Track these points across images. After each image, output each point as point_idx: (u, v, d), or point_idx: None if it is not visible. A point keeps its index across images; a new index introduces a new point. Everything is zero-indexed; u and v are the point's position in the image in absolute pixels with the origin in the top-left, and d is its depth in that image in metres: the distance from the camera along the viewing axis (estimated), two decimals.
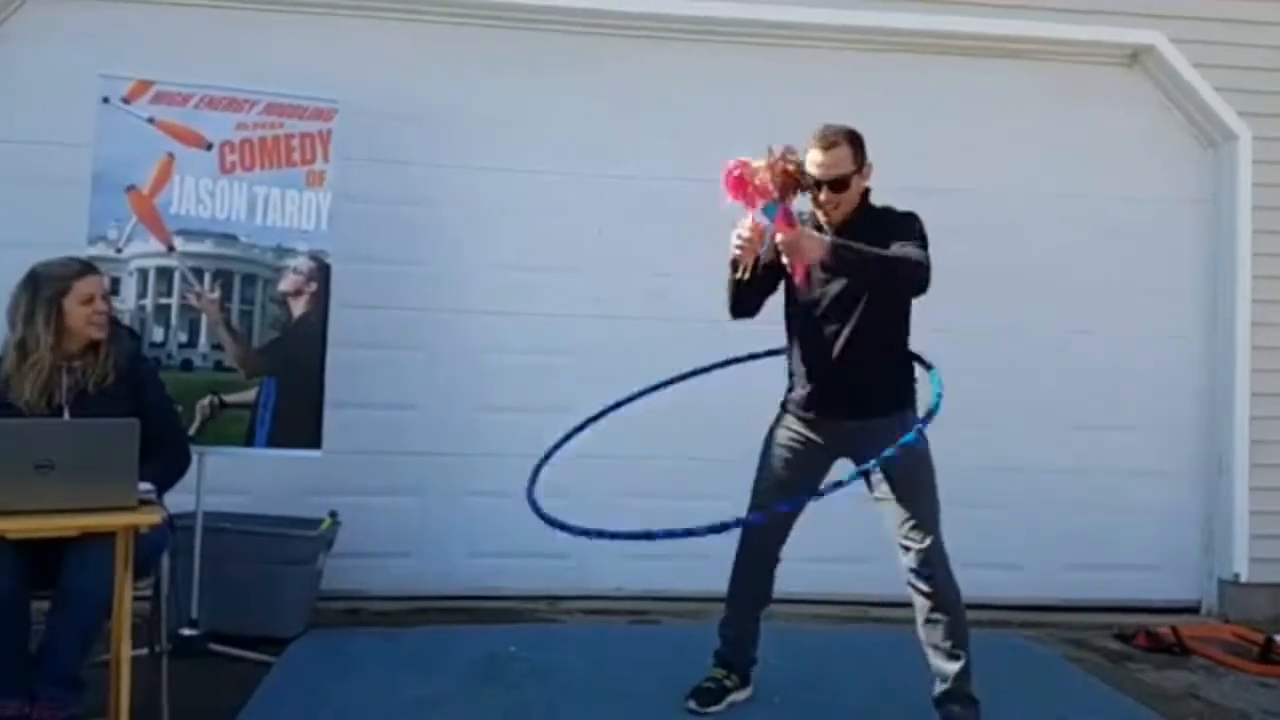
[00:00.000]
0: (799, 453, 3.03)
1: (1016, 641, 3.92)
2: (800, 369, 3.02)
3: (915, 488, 2.91)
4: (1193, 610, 4.62)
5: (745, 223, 2.68)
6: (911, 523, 2.89)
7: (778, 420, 3.11)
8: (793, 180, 2.63)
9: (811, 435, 3.02)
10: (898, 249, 2.76)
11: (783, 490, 3.02)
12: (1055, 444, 4.58)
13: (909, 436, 2.68)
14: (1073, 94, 4.67)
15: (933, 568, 2.89)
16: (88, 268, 2.88)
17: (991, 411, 4.38)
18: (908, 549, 2.90)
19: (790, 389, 3.09)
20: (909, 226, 2.84)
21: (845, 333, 2.88)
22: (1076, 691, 3.51)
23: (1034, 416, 4.56)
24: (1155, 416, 4.69)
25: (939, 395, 2.72)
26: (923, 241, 2.82)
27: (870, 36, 4.54)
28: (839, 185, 2.82)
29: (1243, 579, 4.55)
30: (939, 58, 4.61)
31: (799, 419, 3.04)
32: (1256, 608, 4.48)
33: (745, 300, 2.96)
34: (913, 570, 2.91)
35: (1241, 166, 4.62)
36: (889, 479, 2.91)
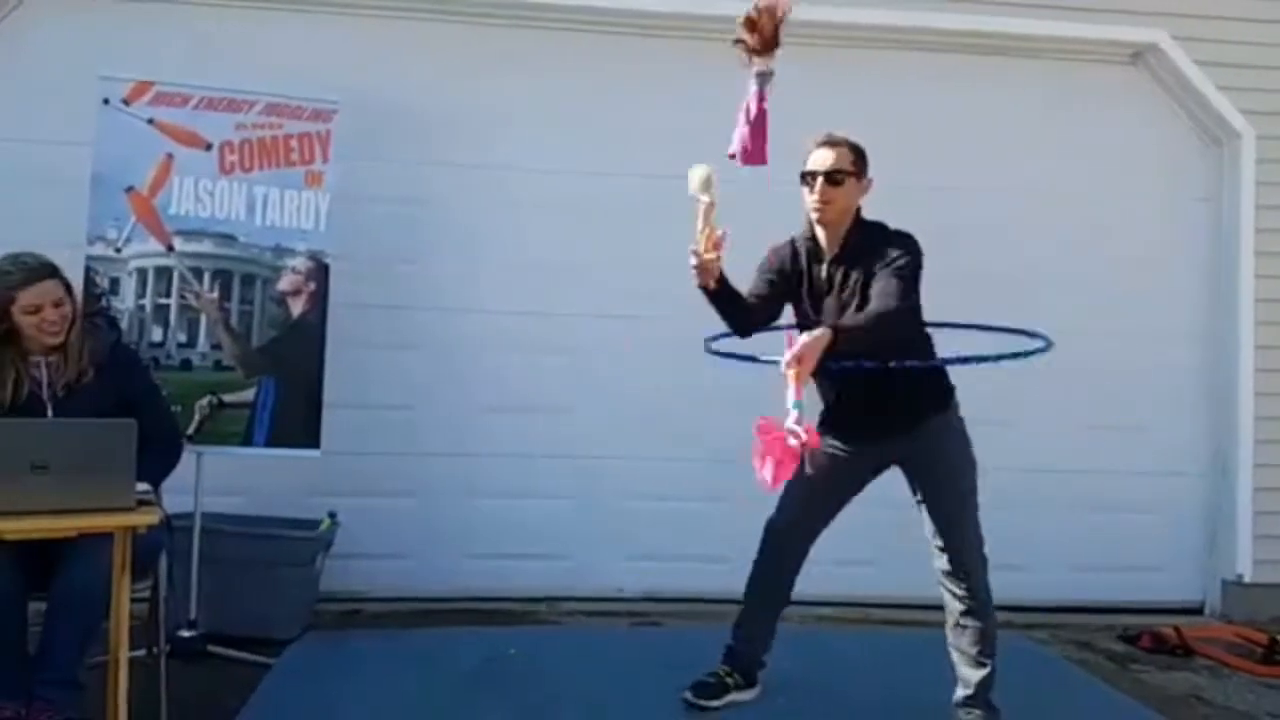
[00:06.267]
0: (838, 462, 2.96)
1: (1020, 643, 3.90)
2: (827, 395, 2.97)
3: (956, 490, 2.88)
4: (1196, 611, 4.60)
5: (701, 240, 2.67)
6: (949, 525, 2.87)
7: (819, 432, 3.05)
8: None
9: (853, 450, 2.96)
10: (879, 288, 2.71)
11: (814, 498, 2.99)
12: (1058, 444, 4.57)
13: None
14: (1075, 92, 4.66)
15: (969, 572, 2.87)
16: (33, 274, 2.69)
17: (993, 411, 4.33)
18: (943, 550, 2.88)
19: (825, 406, 3.02)
20: (899, 253, 2.76)
21: (859, 357, 2.76)
22: (1080, 693, 3.50)
23: (1036, 417, 4.55)
24: (1158, 416, 4.68)
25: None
26: (911, 269, 2.74)
27: (870, 34, 4.52)
28: (833, 179, 2.82)
29: (1246, 579, 4.53)
30: (940, 55, 4.59)
31: (841, 435, 2.97)
32: (1260, 608, 4.46)
33: (742, 318, 2.89)
34: (947, 573, 2.89)
35: (1245, 165, 4.61)
36: (929, 478, 2.89)
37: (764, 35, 2.65)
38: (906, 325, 2.75)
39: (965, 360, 2.75)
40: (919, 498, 2.92)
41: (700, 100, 4.46)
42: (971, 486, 2.91)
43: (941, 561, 2.89)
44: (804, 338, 2.54)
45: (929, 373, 2.86)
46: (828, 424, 3.00)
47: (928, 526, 2.91)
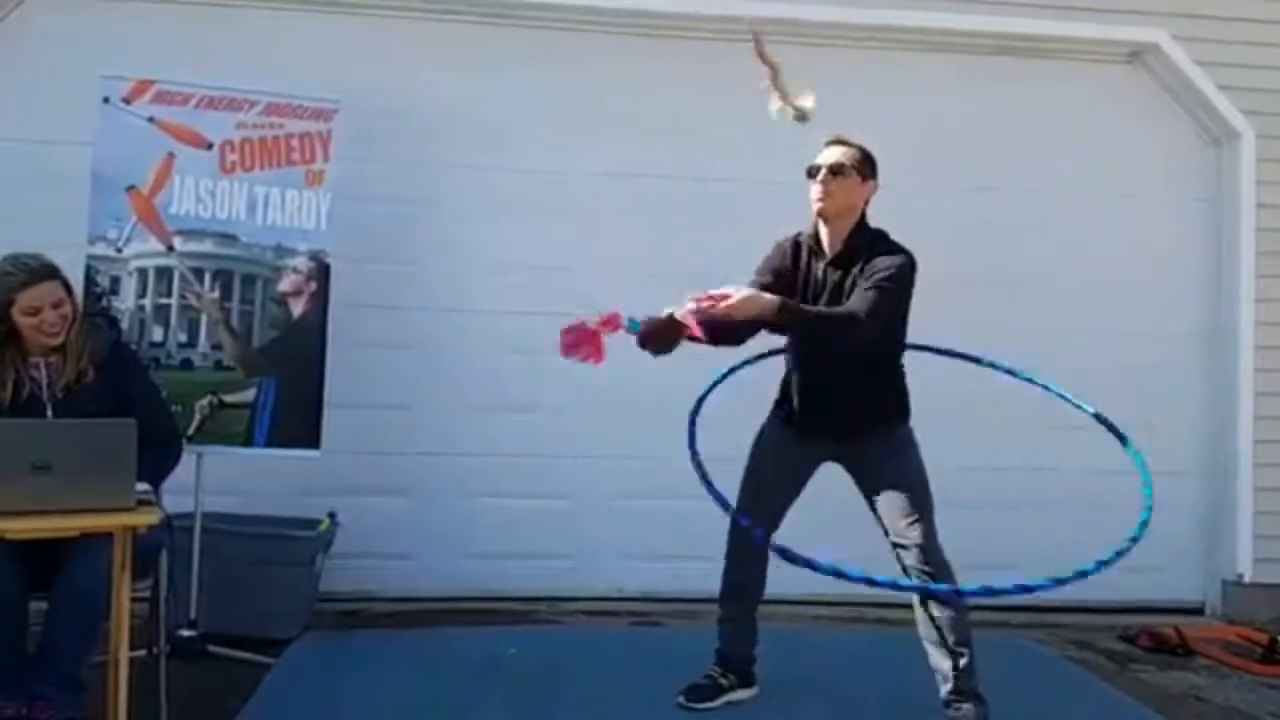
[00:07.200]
0: (789, 457, 3.06)
1: (1019, 643, 3.91)
2: (794, 386, 3.05)
3: (907, 485, 2.92)
4: (1196, 611, 4.60)
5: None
6: (906, 520, 2.89)
7: (770, 422, 3.13)
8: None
9: (801, 444, 3.04)
10: (855, 295, 2.75)
11: (767, 488, 3.05)
12: (1058, 444, 4.54)
13: (1120, 549, 2.63)
14: (1075, 92, 4.66)
15: (932, 560, 2.89)
16: (33, 276, 2.69)
17: (994, 411, 4.36)
18: (905, 546, 2.90)
19: (783, 396, 3.11)
20: (888, 267, 2.78)
21: (831, 359, 2.89)
22: (1079, 693, 3.50)
23: (1036, 416, 4.50)
24: (1158, 416, 4.64)
25: (1148, 492, 2.69)
26: (895, 288, 2.77)
27: (871, 34, 4.52)
28: (835, 170, 2.88)
29: (1246, 579, 4.54)
30: (940, 55, 4.59)
31: (791, 428, 3.06)
32: (1260, 608, 4.46)
33: (734, 336, 2.90)
34: (910, 567, 2.91)
35: (1245, 165, 4.61)
36: (880, 479, 2.93)
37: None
38: (866, 339, 2.76)
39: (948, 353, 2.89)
40: (876, 498, 2.95)
41: (700, 101, 4.48)
42: (923, 479, 2.94)
43: (905, 556, 2.91)
44: (747, 292, 2.60)
45: (894, 392, 2.95)
46: (783, 416, 3.07)
47: (890, 526, 2.92)
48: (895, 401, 2.98)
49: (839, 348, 2.80)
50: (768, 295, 2.65)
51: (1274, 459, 4.54)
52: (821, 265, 2.92)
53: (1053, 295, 4.59)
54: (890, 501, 2.91)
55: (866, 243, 2.88)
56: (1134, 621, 4.28)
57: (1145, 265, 4.67)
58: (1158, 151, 4.72)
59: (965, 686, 2.90)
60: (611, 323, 2.65)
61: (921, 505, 2.91)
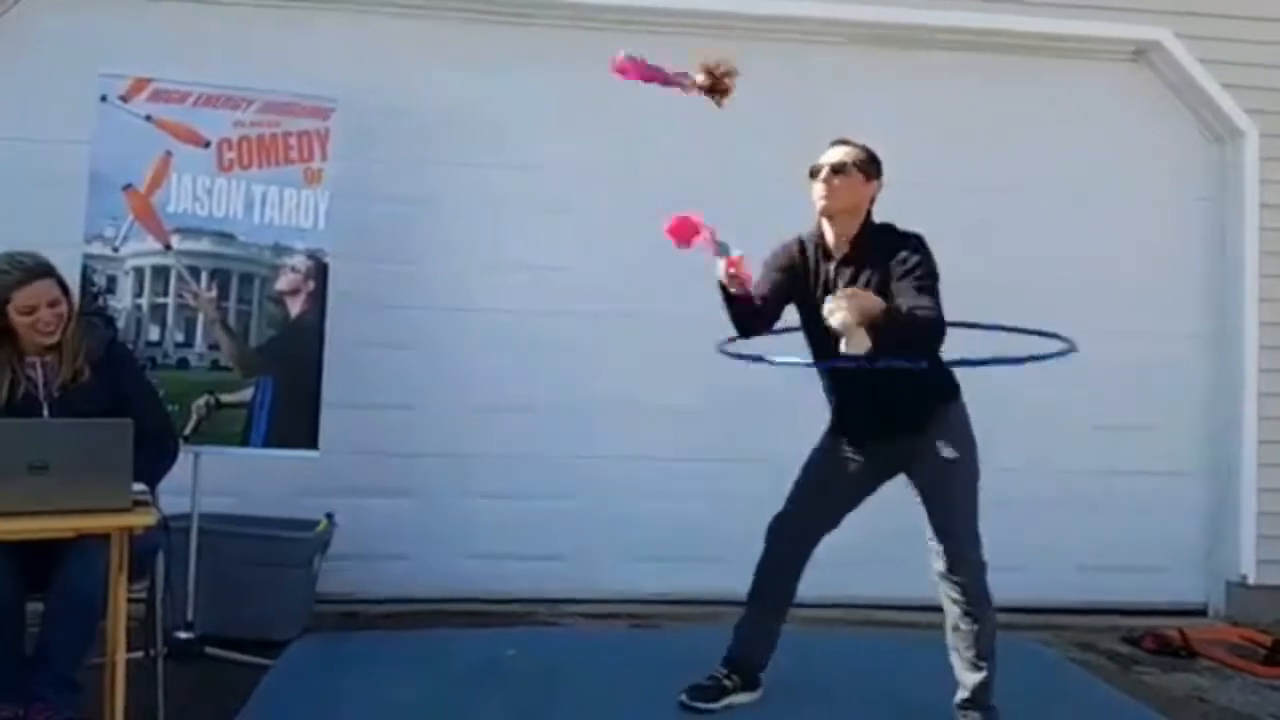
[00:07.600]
0: (848, 465, 3.00)
1: (1024, 644, 3.87)
2: (830, 395, 3.01)
3: (952, 490, 2.88)
4: (1200, 613, 4.58)
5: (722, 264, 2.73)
6: (945, 525, 2.86)
7: (823, 436, 3.07)
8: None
9: (862, 453, 2.99)
10: (909, 298, 2.68)
11: (821, 500, 3.01)
12: (1061, 445, 4.55)
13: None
14: (1077, 90, 4.64)
15: (964, 572, 2.86)
16: (28, 275, 2.68)
17: (996, 413, 4.32)
18: (941, 553, 2.87)
19: (831, 410, 3.06)
20: (916, 259, 2.74)
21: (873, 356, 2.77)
22: (1082, 694, 3.48)
23: (1039, 417, 4.52)
24: (1162, 417, 4.65)
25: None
26: (932, 279, 2.73)
27: (875, 31, 4.51)
28: (838, 169, 2.85)
29: (1250, 581, 4.52)
30: (945, 53, 4.57)
31: (840, 437, 3.01)
32: (1264, 610, 4.43)
33: (751, 322, 2.90)
34: (942, 574, 2.88)
35: (1248, 163, 4.59)
36: (926, 478, 2.89)
37: (723, 90, 2.82)
38: (938, 339, 2.73)
39: (985, 362, 2.75)
40: (918, 497, 2.92)
41: (705, 100, 4.44)
42: (972, 487, 2.90)
43: (939, 563, 2.89)
44: (874, 299, 2.59)
45: (933, 373, 2.84)
46: (836, 428, 3.02)
47: (928, 528, 2.90)
48: (940, 382, 2.88)
49: (922, 347, 2.71)
50: (874, 299, 2.60)
51: (1278, 459, 4.52)
52: (831, 265, 2.88)
53: (1053, 294, 4.54)
54: (931, 506, 2.88)
55: (877, 239, 2.84)
56: (1137, 623, 4.26)
57: (1148, 264, 4.66)
58: (1161, 150, 4.70)
59: (980, 698, 2.89)
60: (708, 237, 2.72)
61: (964, 513, 2.87)
